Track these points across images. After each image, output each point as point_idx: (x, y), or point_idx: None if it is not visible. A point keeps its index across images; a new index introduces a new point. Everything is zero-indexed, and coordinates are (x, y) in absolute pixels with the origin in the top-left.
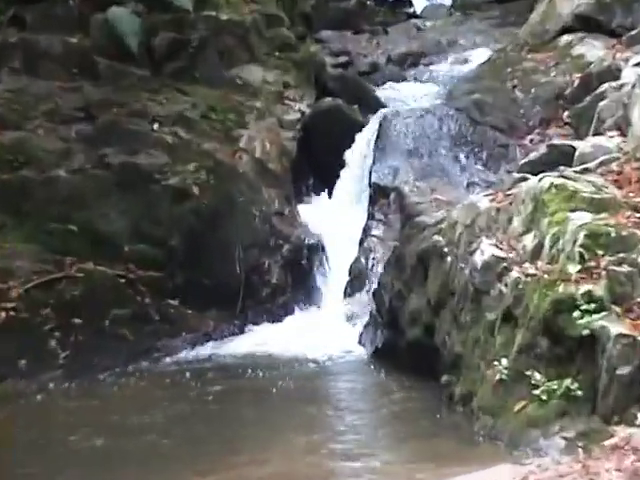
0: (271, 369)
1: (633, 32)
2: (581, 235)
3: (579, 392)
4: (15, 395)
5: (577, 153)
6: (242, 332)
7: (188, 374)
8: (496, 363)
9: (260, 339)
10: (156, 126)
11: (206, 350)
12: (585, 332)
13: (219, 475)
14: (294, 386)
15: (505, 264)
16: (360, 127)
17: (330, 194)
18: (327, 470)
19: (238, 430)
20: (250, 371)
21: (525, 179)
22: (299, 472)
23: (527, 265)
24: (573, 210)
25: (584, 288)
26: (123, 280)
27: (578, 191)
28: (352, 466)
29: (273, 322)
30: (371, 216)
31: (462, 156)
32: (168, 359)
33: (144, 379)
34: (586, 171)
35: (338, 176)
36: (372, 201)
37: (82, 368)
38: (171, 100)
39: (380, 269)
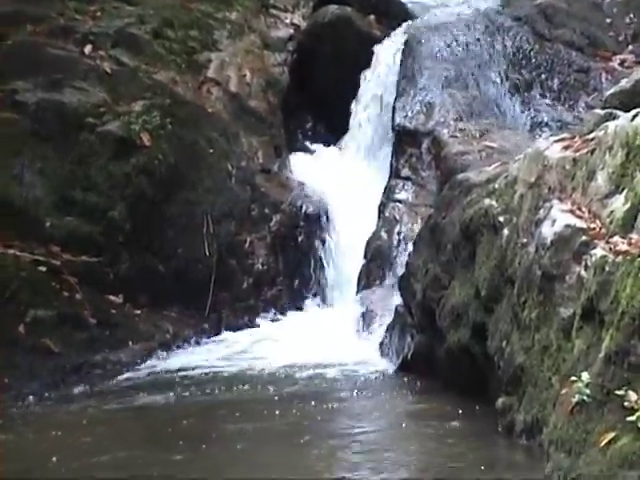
0: (255, 392)
1: None
2: None
3: None
4: None
5: None
6: (214, 339)
7: (138, 396)
8: (574, 379)
9: (239, 349)
10: (88, 49)
11: (162, 366)
12: None
13: None
14: (290, 419)
15: (585, 238)
16: (379, 46)
17: (337, 142)
18: None
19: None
20: (229, 396)
21: (613, 117)
22: None
23: (617, 239)
24: None
25: None
26: (44, 268)
27: None
28: None
29: (258, 325)
30: (395, 173)
31: (524, 86)
32: (109, 380)
33: (74, 408)
34: None
35: (348, 117)
36: (397, 151)
37: None
38: (109, 12)
39: (409, 247)
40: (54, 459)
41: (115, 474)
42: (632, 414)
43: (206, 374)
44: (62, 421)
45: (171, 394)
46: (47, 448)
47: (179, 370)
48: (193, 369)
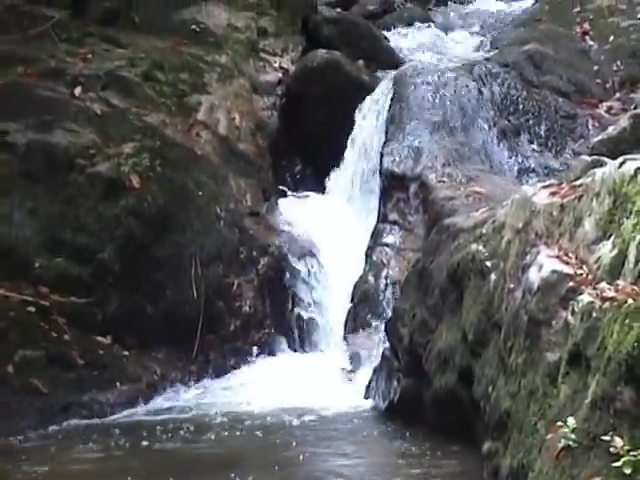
0: (243, 434)
1: None
2: None
3: None
4: None
5: None
6: (201, 381)
7: (124, 442)
8: (560, 424)
9: (227, 392)
10: (78, 91)
11: (150, 406)
12: None
13: None
14: (278, 459)
15: (572, 284)
16: (367, 91)
17: (325, 186)
18: None
19: None
20: (213, 438)
21: (600, 164)
22: None
23: (604, 285)
24: None
25: None
26: (33, 309)
27: None
28: None
29: (245, 367)
30: (383, 217)
31: (511, 132)
32: (96, 420)
33: (62, 448)
34: None
35: (336, 160)
36: (384, 196)
37: None
38: (99, 55)
39: (396, 291)
40: None
41: None
42: (618, 460)
43: (192, 418)
44: (53, 460)
45: (153, 439)
46: None
47: (165, 412)
48: (179, 412)
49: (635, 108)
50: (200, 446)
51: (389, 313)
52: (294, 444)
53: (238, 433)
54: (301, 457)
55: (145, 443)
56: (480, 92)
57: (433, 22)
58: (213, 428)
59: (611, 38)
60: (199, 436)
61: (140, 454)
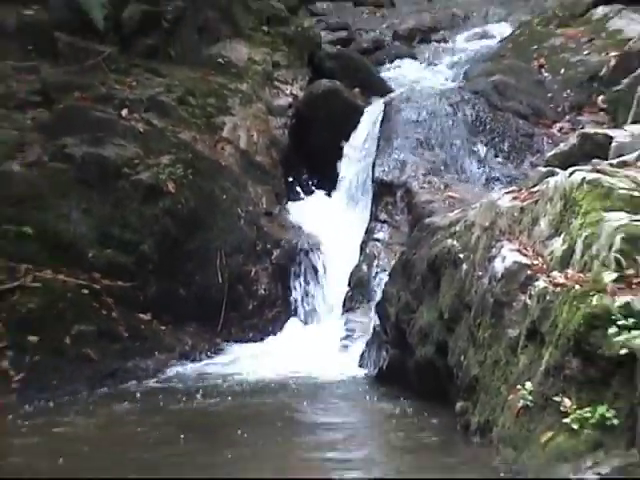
0: (258, 394)
1: None
2: (618, 239)
3: (615, 421)
4: None
5: (614, 144)
6: (224, 351)
7: (162, 400)
8: (519, 387)
9: (245, 359)
10: (125, 112)
11: (182, 371)
12: (623, 351)
13: None
14: (286, 413)
15: (530, 272)
16: (362, 114)
17: (327, 191)
18: None
19: (222, 454)
20: (234, 396)
21: (553, 174)
22: None
23: (555, 273)
24: (609, 210)
25: (622, 300)
26: (87, 291)
27: (615, 188)
28: None
29: (260, 340)
30: (374, 217)
31: (480, 147)
32: (138, 382)
33: (110, 405)
34: (624, 164)
35: (337, 171)
36: (376, 200)
37: (39, 392)
38: (142, 83)
39: (385, 278)
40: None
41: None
42: (567, 417)
43: (217, 381)
44: (103, 415)
45: (185, 399)
46: (91, 438)
47: (195, 377)
48: (206, 377)
49: (582, 128)
50: (219, 405)
51: (379, 296)
52: (296, 404)
53: (251, 394)
54: (301, 415)
55: (176, 402)
56: (455, 115)
57: (416, 58)
58: (231, 390)
59: (562, 71)
60: (219, 397)
61: (171, 412)
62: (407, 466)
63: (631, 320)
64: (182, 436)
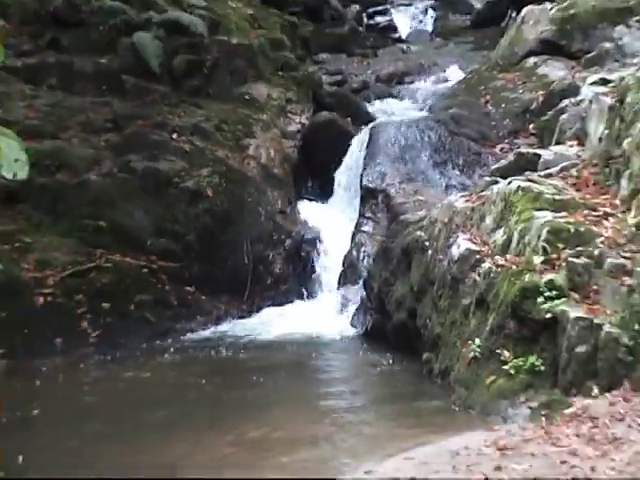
0: (274, 348)
1: (590, 55)
2: (544, 231)
3: (542, 368)
4: (52, 369)
5: (541, 160)
6: (249, 315)
7: (202, 351)
8: (470, 342)
9: (264, 321)
10: (175, 136)
11: (218, 330)
12: (548, 315)
13: (238, 430)
14: (294, 362)
15: (478, 256)
16: (352, 137)
17: (326, 195)
18: (320, 427)
19: (248, 392)
20: (255, 349)
21: (496, 182)
22: (297, 431)
23: (497, 257)
24: (537, 209)
25: (547, 277)
26: (146, 270)
27: (542, 193)
28: (343, 422)
29: (276, 307)
30: (362, 214)
31: (441, 162)
32: (185, 338)
33: (162, 356)
34: (549, 176)
35: (334, 180)
36: (363, 201)
37: (110, 346)
38: (188, 113)
39: (369, 261)
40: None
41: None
42: (505, 365)
43: (242, 338)
44: (158, 363)
45: (217, 351)
46: (153, 380)
47: (226, 335)
48: (234, 334)
49: (517, 148)
50: (243, 356)
51: (365, 274)
52: (303, 355)
53: (268, 348)
54: (307, 363)
55: (211, 352)
56: (422, 138)
57: (394, 96)
58: (253, 345)
59: (503, 105)
60: (244, 350)
61: (205, 361)
62: (382, 400)
63: (554, 292)
64: (213, 380)
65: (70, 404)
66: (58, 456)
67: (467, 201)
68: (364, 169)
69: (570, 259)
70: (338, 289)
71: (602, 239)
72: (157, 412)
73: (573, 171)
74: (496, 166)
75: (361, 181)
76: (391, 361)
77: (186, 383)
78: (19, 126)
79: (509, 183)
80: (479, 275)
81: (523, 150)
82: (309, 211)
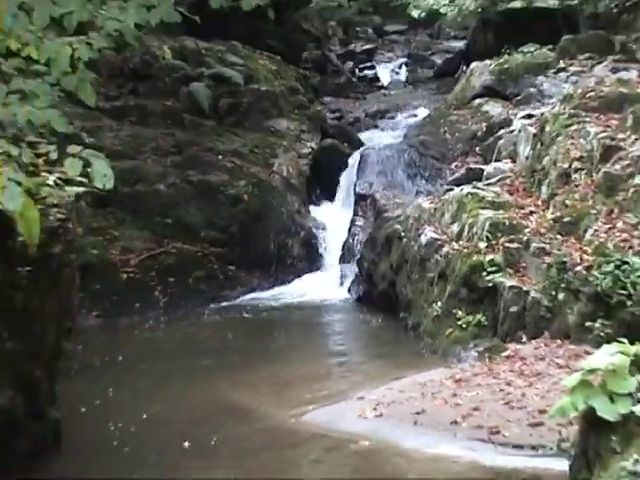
0: (292, 308)
1: (519, 97)
2: (487, 224)
3: (486, 322)
4: (132, 326)
5: (485, 173)
6: (274, 286)
7: (240, 312)
8: (434, 305)
9: (285, 290)
10: (220, 157)
11: (252, 297)
12: (489, 285)
13: (267, 370)
14: (307, 320)
15: (440, 242)
16: (348, 157)
17: (330, 200)
18: (326, 367)
19: (270, 344)
20: (279, 309)
21: (452, 189)
22: (311, 370)
23: (453, 243)
24: (482, 208)
25: (489, 257)
26: (200, 254)
27: (485, 197)
28: (342, 364)
29: (294, 280)
30: (355, 213)
31: (412, 175)
32: (228, 303)
33: (213, 315)
34: (490, 184)
35: (335, 188)
36: (356, 203)
37: (174, 308)
38: (229, 141)
39: (361, 246)
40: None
41: (239, 338)
42: (459, 321)
43: (269, 303)
44: (209, 320)
45: (250, 312)
46: (204, 334)
47: (257, 300)
48: (263, 300)
49: (467, 165)
50: (268, 316)
51: (358, 256)
52: (313, 315)
53: (287, 310)
54: (316, 320)
55: (245, 314)
56: (398, 158)
57: (378, 127)
58: (276, 307)
59: (456, 134)
60: (269, 311)
61: (241, 319)
62: (371, 345)
63: (494, 268)
64: (247, 333)
65: (144, 352)
66: (136, 391)
67: (431, 203)
68: (357, 180)
69: (506, 244)
70: (339, 266)
71: (528, 229)
72: (206, 358)
73: (507, 181)
74: (452, 177)
75: (355, 189)
76: (377, 319)
77: (227, 336)
78: (107, 151)
79: (461, 190)
80: (440, 256)
81: (472, 166)
82: (317, 211)
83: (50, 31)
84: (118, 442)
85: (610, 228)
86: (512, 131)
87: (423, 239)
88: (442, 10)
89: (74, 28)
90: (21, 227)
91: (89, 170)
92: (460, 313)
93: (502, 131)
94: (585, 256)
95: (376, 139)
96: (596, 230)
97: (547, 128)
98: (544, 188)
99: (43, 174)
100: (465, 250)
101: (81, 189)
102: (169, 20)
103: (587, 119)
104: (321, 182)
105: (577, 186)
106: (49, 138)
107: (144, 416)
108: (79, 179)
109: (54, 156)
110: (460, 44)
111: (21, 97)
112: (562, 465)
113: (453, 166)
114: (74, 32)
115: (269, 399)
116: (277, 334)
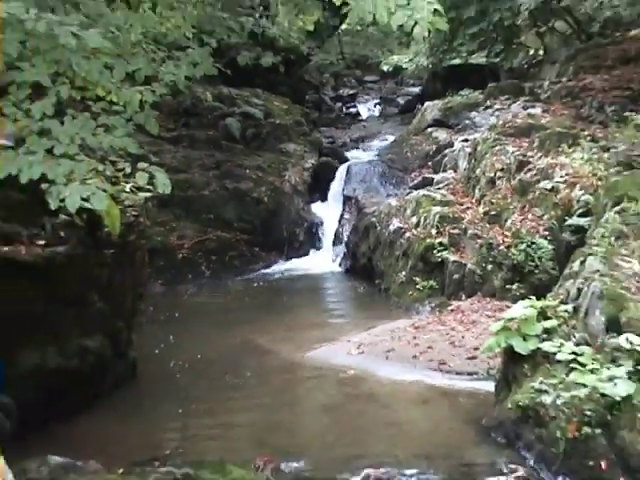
0: (298, 278)
1: (459, 126)
2: (437, 217)
3: (436, 286)
4: (185, 291)
5: (435, 180)
6: (286, 262)
7: (261, 281)
8: (399, 274)
9: (294, 265)
10: (247, 171)
11: (269, 270)
12: (439, 259)
13: (283, 321)
14: (308, 286)
15: (403, 230)
16: (337, 170)
17: (324, 200)
18: (323, 319)
19: (283, 304)
20: (287, 279)
21: (412, 192)
22: (312, 321)
23: (413, 230)
24: (433, 205)
25: (438, 240)
26: (233, 239)
27: (435, 197)
28: (335, 316)
29: (299, 257)
30: (343, 209)
31: (384, 182)
32: (253, 274)
33: (242, 284)
34: (438, 188)
35: (328, 192)
36: (344, 203)
37: (215, 278)
38: (253, 159)
39: (348, 233)
40: (237, 297)
41: (260, 301)
42: (418, 285)
43: (280, 274)
44: (240, 287)
45: (263, 281)
46: (235, 297)
47: (271, 273)
48: (276, 272)
49: (423, 175)
50: (279, 284)
51: (346, 240)
52: (314, 283)
53: (295, 280)
54: (313, 287)
55: (265, 283)
56: (374, 169)
57: (359, 148)
58: (286, 278)
59: (415, 153)
60: (281, 281)
61: (257, 287)
62: (356, 304)
63: (442, 247)
64: (266, 296)
65: (194, 310)
66: (189, 338)
67: (397, 202)
68: (344, 186)
69: (450, 231)
70: (332, 248)
71: (466, 220)
72: (237, 313)
73: (450, 186)
74: (412, 184)
75: (343, 192)
76: (360, 285)
77: (251, 298)
78: (166, 167)
79: (418, 192)
80: (403, 239)
81: (426, 175)
82: (316, 208)
83: (125, 82)
84: (178, 374)
85: (523, 219)
86: (454, 150)
87: (391, 227)
88: (404, 66)
89: (142, 80)
90: (107, 221)
91: (154, 180)
92: (418, 280)
93: (447, 150)
94: (506, 239)
95: (358, 157)
96: (513, 220)
97: (478, 148)
98: (476, 191)
99: (122, 183)
100: (421, 235)
101: (148, 194)
102: (209, 73)
103: (506, 142)
104: (318, 188)
105: (499, 189)
106: (125, 158)
107: (198, 356)
108: (147, 187)
109: (129, 170)
110: (417, 89)
111: (105, 129)
112: (490, 386)
113: (412, 175)
114: (142, 82)
115: (283, 342)
116: (287, 297)
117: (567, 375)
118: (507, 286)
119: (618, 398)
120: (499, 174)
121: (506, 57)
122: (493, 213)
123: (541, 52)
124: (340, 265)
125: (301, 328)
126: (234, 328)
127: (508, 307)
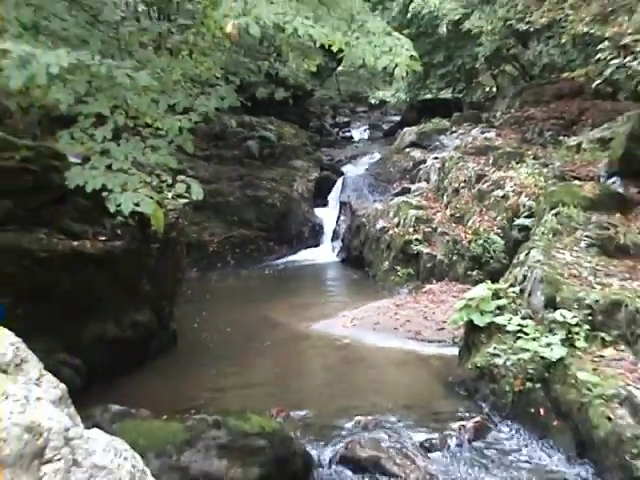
0: (303, 267)
1: (431, 147)
2: (414, 218)
3: (413, 273)
4: (215, 277)
5: (412, 189)
6: (295, 254)
7: (274, 269)
8: (384, 263)
9: (300, 257)
10: (264, 182)
11: (281, 261)
12: (415, 252)
13: (290, 301)
14: (311, 273)
15: (387, 228)
16: (336, 182)
17: (325, 205)
18: (324, 299)
19: (292, 287)
20: (295, 267)
21: (394, 199)
22: (315, 301)
23: (395, 229)
24: (410, 209)
25: (414, 236)
26: (253, 236)
27: (412, 202)
28: (332, 297)
29: (305, 250)
30: (339, 213)
31: (372, 191)
32: (269, 264)
33: (260, 271)
34: (415, 196)
35: (328, 198)
36: (340, 207)
37: (239, 267)
38: (269, 173)
39: (344, 231)
40: (253, 283)
41: (270, 285)
42: (398, 272)
43: (289, 264)
44: (257, 274)
45: (271, 270)
46: (253, 282)
47: (285, 262)
48: (286, 262)
49: (403, 187)
50: (287, 272)
51: (342, 236)
52: (316, 270)
53: (301, 268)
54: (315, 274)
55: (277, 271)
56: (364, 181)
57: (352, 164)
58: (293, 267)
59: (396, 168)
60: (289, 269)
61: (267, 274)
62: (350, 288)
63: (418, 242)
64: (277, 280)
65: (221, 292)
66: (218, 314)
67: (382, 206)
68: (340, 194)
69: (424, 229)
70: (332, 242)
71: (436, 220)
72: (255, 294)
73: (424, 194)
74: (394, 192)
75: (339, 199)
76: (353, 272)
77: (266, 282)
78: (200, 179)
79: (399, 199)
80: (387, 236)
81: (405, 185)
82: (319, 212)
83: (168, 112)
84: (210, 342)
85: (481, 220)
86: (427, 166)
87: (378, 226)
88: (388, 99)
89: (181, 110)
90: (153, 222)
91: (190, 189)
92: (398, 268)
93: (421, 166)
94: (467, 235)
95: (351, 171)
96: (473, 221)
97: (446, 164)
98: (445, 197)
99: (165, 192)
100: (401, 233)
101: (186, 200)
102: (234, 105)
103: (468, 159)
104: (320, 195)
105: (463, 196)
106: (168, 172)
107: (227, 328)
108: (184, 195)
109: (170, 182)
110: (398, 118)
111: (152, 149)
112: (454, 351)
113: (394, 185)
114: (181, 112)
115: (291, 316)
116: (294, 282)
117: (515, 342)
118: (468, 272)
119: (553, 360)
120: (462, 184)
121: (467, 93)
122: (458, 215)
123: (494, 89)
124: (337, 256)
125: (306, 306)
126: (253, 306)
127: (469, 289)
